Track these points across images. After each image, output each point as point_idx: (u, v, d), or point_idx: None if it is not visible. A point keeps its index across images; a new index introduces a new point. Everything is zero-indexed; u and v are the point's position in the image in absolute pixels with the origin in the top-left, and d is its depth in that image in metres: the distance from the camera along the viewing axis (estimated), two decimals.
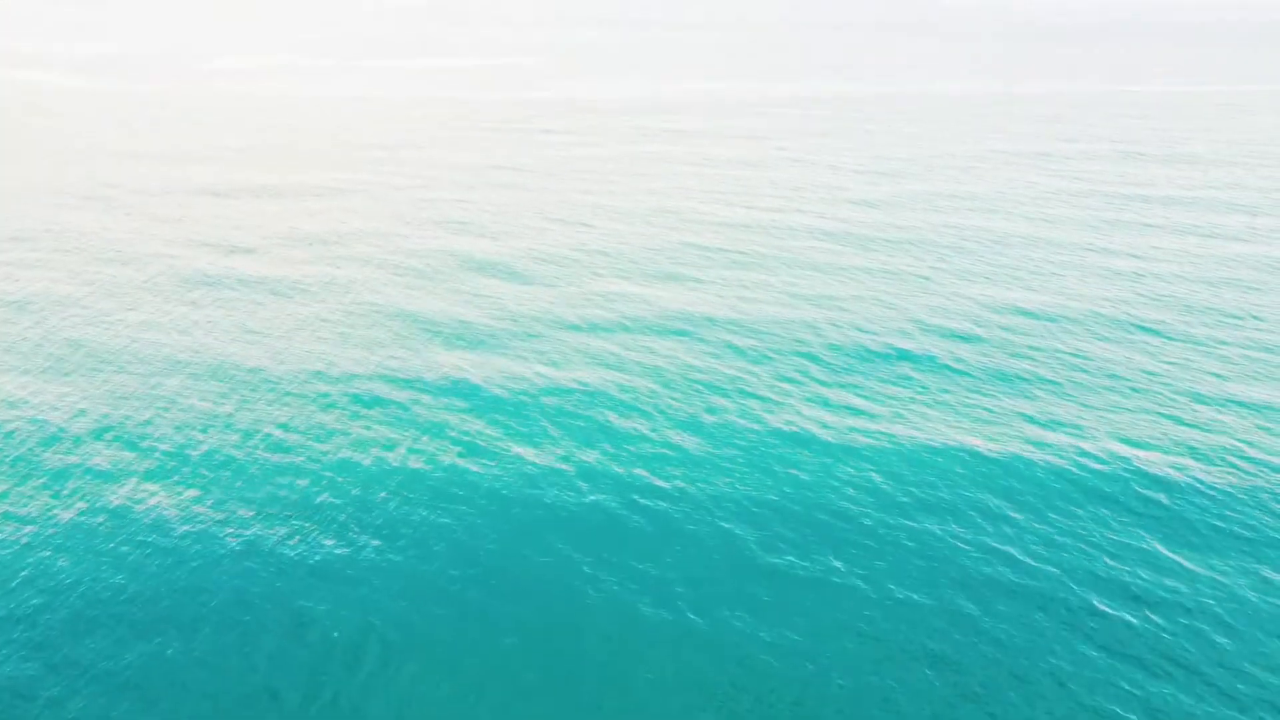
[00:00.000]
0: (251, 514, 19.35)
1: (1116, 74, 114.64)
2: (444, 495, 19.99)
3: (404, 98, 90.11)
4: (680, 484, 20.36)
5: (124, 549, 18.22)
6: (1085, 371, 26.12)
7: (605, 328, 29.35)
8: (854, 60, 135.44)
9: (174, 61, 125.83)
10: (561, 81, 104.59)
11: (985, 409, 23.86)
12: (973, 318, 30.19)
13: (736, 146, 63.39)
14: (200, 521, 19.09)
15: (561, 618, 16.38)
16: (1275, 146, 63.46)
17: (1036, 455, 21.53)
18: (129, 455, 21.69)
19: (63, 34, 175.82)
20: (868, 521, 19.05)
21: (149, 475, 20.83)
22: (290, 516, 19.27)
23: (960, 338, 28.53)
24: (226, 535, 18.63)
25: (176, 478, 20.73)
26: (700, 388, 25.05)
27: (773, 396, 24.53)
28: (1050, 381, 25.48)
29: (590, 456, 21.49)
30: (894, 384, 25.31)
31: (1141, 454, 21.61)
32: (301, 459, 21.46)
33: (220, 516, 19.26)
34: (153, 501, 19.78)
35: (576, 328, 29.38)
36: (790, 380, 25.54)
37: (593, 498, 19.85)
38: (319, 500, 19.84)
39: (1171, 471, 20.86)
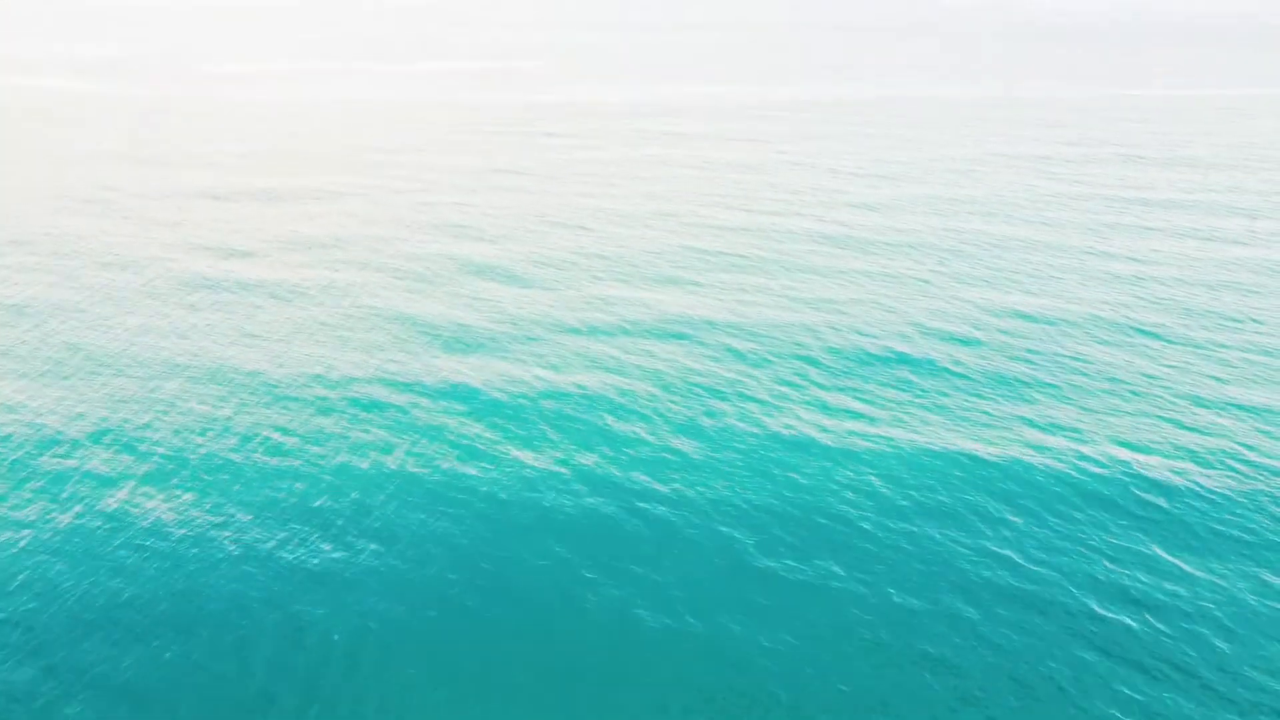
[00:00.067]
0: (249, 518, 19.32)
1: (1117, 76, 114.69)
2: (442, 499, 19.96)
3: (403, 101, 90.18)
4: (679, 488, 20.33)
5: (121, 553, 18.19)
6: (1085, 375, 26.09)
7: (605, 331, 29.33)
8: (854, 62, 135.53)
9: (173, 65, 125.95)
10: (562, 84, 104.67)
11: (984, 412, 23.83)
12: (972, 321, 30.17)
13: (736, 150, 63.40)
14: (198, 525, 19.06)
15: (559, 622, 16.35)
16: (1275, 150, 63.45)
17: (1036, 459, 21.50)
18: (127, 459, 21.66)
19: (63, 37, 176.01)
20: (867, 525, 19.02)
21: (147, 479, 20.80)
22: (288, 520, 19.25)
23: (959, 341, 28.51)
24: (224, 539, 18.60)
25: (174, 481, 20.70)
26: (699, 391, 25.02)
27: (772, 400, 24.51)
28: (1049, 385, 25.45)
29: (589, 460, 21.46)
30: (893, 387, 25.28)
31: (1141, 457, 21.58)
32: (300, 462, 21.43)
33: (218, 520, 19.23)
34: (150, 505, 19.75)
35: (576, 331, 29.36)
36: (789, 384, 25.52)
37: (591, 501, 19.82)
38: (317, 504, 19.81)
39: (1171, 475, 20.83)
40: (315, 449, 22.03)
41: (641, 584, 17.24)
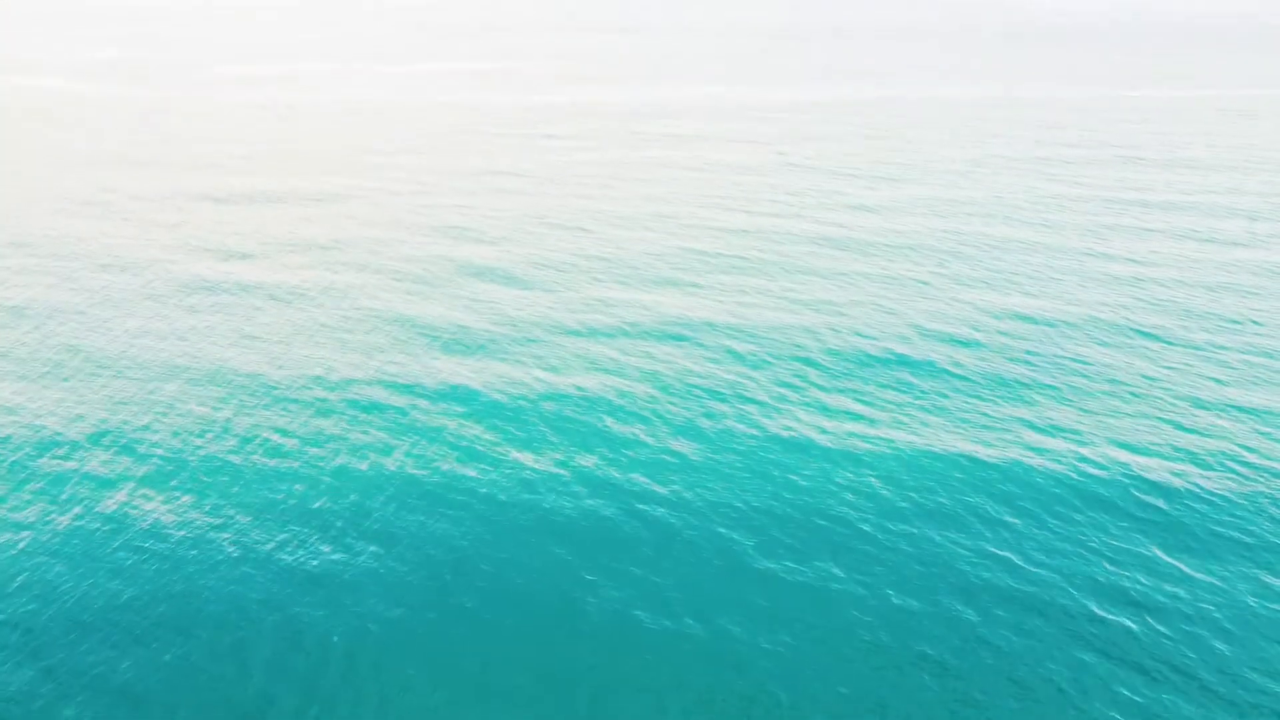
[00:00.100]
0: (248, 519, 19.31)
1: (1117, 77, 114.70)
2: (442, 501, 19.95)
3: (403, 102, 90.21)
4: (678, 489, 20.32)
5: (120, 554, 18.19)
6: (1084, 377, 26.09)
7: (604, 333, 29.33)
8: (853, 63, 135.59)
9: (173, 66, 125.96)
10: (561, 85, 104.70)
11: (984, 414, 23.82)
12: (971, 323, 30.17)
13: (736, 151, 63.40)
14: (197, 527, 19.05)
15: (559, 623, 16.34)
16: (1275, 152, 63.47)
17: (1035, 461, 21.49)
18: (126, 460, 21.66)
19: (63, 37, 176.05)
20: (866, 527, 19.01)
21: (146, 480, 20.80)
22: (287, 522, 19.24)
23: (959, 343, 28.50)
24: (223, 541, 18.60)
25: (173, 483, 20.70)
26: (699, 393, 25.02)
27: (771, 402, 24.50)
28: (1049, 386, 25.45)
29: (588, 462, 21.46)
30: (892, 389, 25.28)
31: (1140, 459, 21.57)
32: (299, 464, 21.43)
33: (217, 522, 19.23)
34: (149, 507, 19.75)
35: (575, 333, 29.36)
36: (789, 385, 25.51)
37: (590, 503, 19.81)
38: (316, 505, 19.80)
39: (1171, 477, 20.83)
40: (314, 451, 22.02)
41: (641, 585, 17.23)
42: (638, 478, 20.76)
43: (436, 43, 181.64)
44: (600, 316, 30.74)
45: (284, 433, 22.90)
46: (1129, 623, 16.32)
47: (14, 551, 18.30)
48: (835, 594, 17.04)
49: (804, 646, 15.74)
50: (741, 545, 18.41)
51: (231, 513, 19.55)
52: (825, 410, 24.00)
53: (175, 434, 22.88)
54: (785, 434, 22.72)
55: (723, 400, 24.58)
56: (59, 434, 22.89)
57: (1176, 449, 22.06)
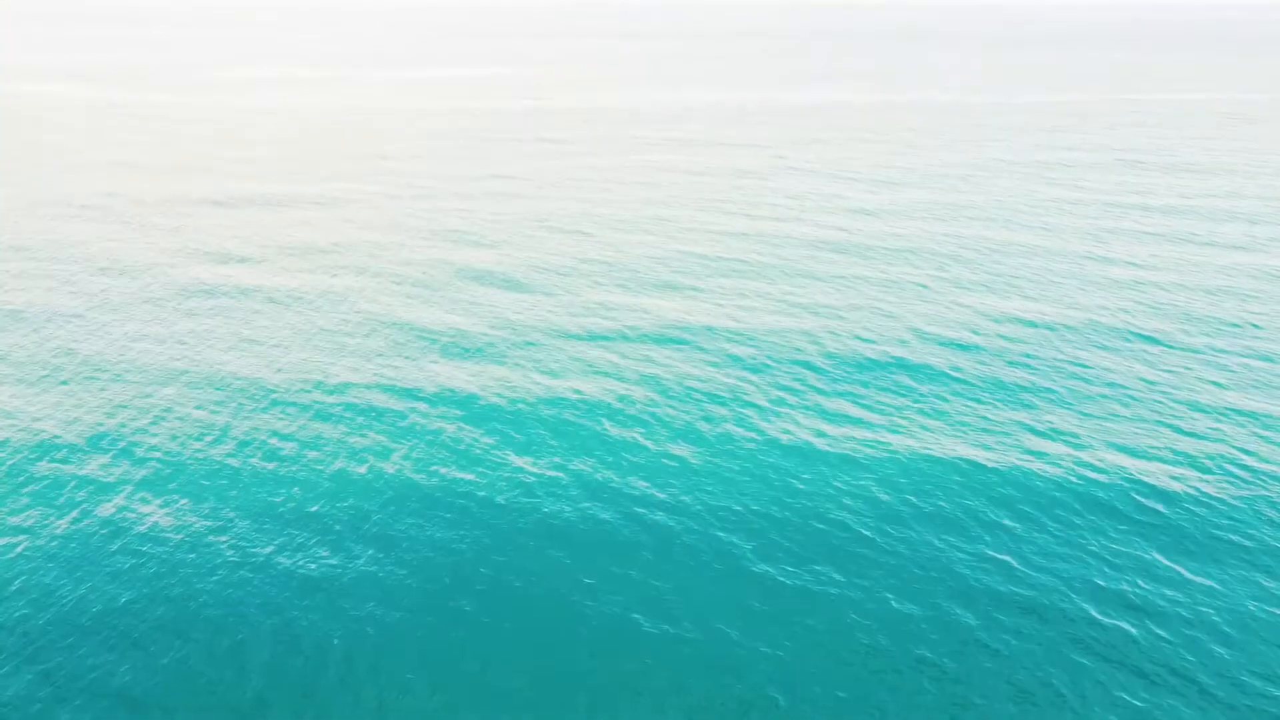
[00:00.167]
0: (246, 523, 19.28)
1: (1117, 79, 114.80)
2: (440, 505, 19.92)
3: (402, 107, 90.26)
4: (677, 493, 20.30)
5: (118, 558, 18.15)
6: (1084, 380, 26.07)
7: (603, 337, 29.31)
8: (853, 66, 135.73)
9: (172, 70, 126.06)
10: (560, 90, 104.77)
11: (983, 418, 23.80)
12: (971, 327, 30.16)
13: (735, 155, 63.44)
14: (195, 531, 19.02)
15: (557, 628, 16.30)
16: (1275, 155, 63.49)
17: (1035, 465, 21.47)
18: (124, 464, 21.63)
19: (61, 42, 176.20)
20: (865, 531, 18.98)
21: (144, 484, 20.76)
22: (285, 526, 19.21)
23: (958, 347, 28.49)
24: (221, 544, 18.56)
25: (171, 486, 20.67)
26: (698, 397, 25.00)
27: (770, 406, 24.48)
28: (1048, 390, 25.43)
29: (587, 466, 21.43)
30: (892, 393, 25.26)
31: (1140, 463, 21.55)
32: (297, 468, 21.40)
33: (215, 526, 19.19)
34: (147, 511, 19.72)
35: (574, 337, 29.34)
36: (788, 389, 25.49)
37: (589, 507, 19.78)
38: (314, 510, 19.77)
39: (1170, 481, 20.80)
40: (313, 454, 22.00)
41: (639, 589, 17.20)
42: (636, 481, 20.74)
43: (437, 45, 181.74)
44: (599, 320, 30.73)
45: (282, 436, 22.87)
46: (1128, 627, 16.29)
47: (11, 555, 18.27)
48: (834, 598, 17.01)
49: (803, 650, 15.70)
50: (740, 549, 18.38)
51: (230, 516, 19.52)
52: (824, 414, 23.98)
53: (173, 438, 22.85)
54: (784, 438, 22.70)
55: (722, 404, 24.56)
56: (57, 437, 22.86)
57: (1176, 453, 22.04)
